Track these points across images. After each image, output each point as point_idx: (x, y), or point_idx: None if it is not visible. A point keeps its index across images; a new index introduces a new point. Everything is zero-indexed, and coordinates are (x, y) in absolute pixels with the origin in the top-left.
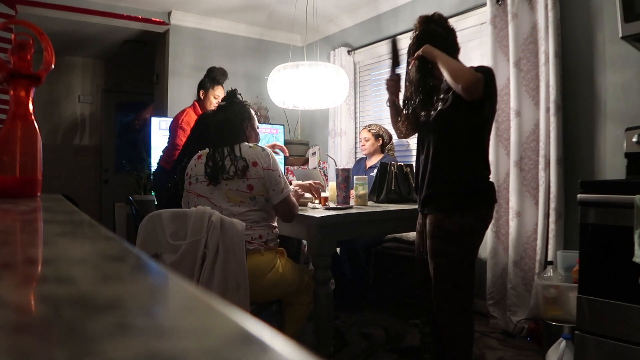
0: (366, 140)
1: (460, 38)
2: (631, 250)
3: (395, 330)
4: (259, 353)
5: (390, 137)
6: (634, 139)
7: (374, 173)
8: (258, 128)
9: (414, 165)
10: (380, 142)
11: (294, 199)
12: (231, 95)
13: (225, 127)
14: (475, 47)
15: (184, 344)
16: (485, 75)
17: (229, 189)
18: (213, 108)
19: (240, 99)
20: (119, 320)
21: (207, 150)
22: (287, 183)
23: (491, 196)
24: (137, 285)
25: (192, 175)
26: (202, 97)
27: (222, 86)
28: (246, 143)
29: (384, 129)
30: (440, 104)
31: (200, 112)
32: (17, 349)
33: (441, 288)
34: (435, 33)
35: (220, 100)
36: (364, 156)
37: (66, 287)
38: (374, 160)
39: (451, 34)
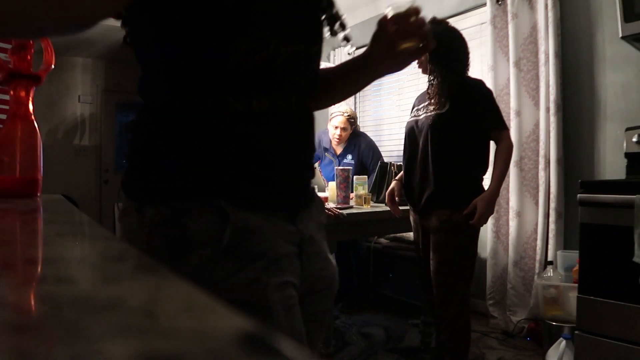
0: (344, 130)
1: None
2: (631, 250)
3: (395, 330)
4: (259, 353)
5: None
6: (634, 139)
7: (347, 159)
8: None
9: (404, 164)
10: (353, 126)
11: None
12: None
13: None
14: (475, 47)
15: (184, 344)
16: (500, 118)
17: None
18: None
19: None
20: (119, 320)
21: None
22: None
23: (484, 189)
24: (137, 286)
25: None
26: None
27: None
28: None
29: (352, 109)
30: (436, 106)
31: None
32: (17, 349)
33: (445, 281)
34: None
35: None
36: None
37: (66, 287)
38: (344, 142)
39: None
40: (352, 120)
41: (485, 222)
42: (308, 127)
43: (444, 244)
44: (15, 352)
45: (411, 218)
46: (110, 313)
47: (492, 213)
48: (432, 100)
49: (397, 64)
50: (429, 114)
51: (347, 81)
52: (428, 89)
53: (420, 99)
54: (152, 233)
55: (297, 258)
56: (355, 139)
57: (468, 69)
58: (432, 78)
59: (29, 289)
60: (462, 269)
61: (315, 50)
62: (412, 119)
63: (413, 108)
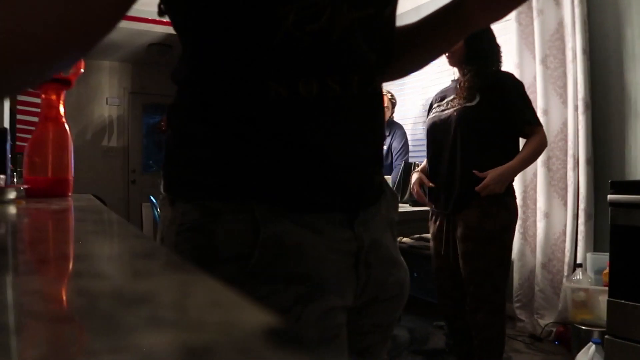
0: (386, 110)
1: None
2: None
3: (419, 332)
4: (282, 346)
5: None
6: None
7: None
8: None
9: (428, 164)
10: (394, 108)
11: None
12: None
13: None
14: (500, 45)
15: (212, 336)
16: (534, 112)
17: None
18: None
19: None
20: (151, 314)
21: None
22: None
23: (513, 188)
24: (166, 281)
25: None
26: None
27: None
28: None
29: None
30: (464, 100)
31: None
32: (58, 340)
33: (480, 291)
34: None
35: None
36: None
37: (100, 282)
38: None
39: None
40: (393, 101)
41: (487, 193)
42: (375, 110)
43: (475, 253)
44: (55, 342)
45: (433, 225)
46: (142, 307)
47: (499, 190)
48: (461, 93)
49: (499, 8)
50: (457, 107)
51: (431, 40)
52: (458, 82)
53: (440, 95)
54: (179, 234)
55: (352, 270)
56: (391, 127)
57: (501, 63)
58: (465, 71)
59: (66, 283)
60: (498, 277)
61: (387, 13)
62: (434, 114)
63: (432, 105)
